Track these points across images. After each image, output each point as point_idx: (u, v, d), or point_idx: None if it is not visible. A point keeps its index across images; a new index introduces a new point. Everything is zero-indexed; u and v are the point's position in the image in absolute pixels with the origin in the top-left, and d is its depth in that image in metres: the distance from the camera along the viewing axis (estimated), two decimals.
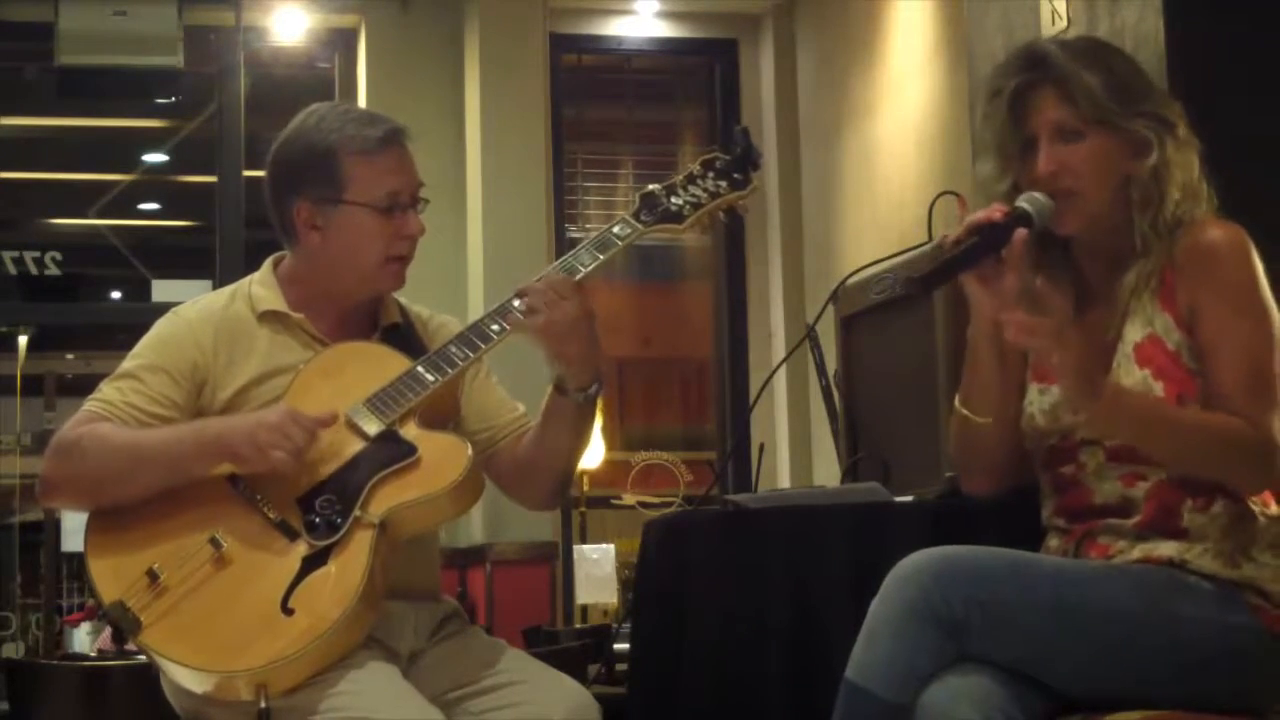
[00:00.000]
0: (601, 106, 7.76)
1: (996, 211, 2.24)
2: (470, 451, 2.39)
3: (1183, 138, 2.28)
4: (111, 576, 2.30)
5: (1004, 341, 2.26)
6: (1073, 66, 2.27)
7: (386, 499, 2.34)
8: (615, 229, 2.50)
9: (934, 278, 2.23)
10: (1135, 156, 2.26)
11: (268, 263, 2.61)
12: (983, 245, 2.22)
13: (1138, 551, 2.23)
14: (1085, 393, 2.14)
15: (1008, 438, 2.36)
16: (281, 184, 2.53)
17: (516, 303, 2.43)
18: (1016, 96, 2.30)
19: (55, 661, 4.24)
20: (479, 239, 6.70)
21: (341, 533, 2.31)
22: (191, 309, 2.56)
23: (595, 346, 2.44)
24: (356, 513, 2.32)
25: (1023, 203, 2.25)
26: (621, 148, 7.64)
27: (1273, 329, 2.21)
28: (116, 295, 9.54)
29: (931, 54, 5.68)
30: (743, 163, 2.56)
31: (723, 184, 2.55)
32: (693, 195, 2.53)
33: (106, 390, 2.45)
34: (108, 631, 5.41)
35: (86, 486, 2.38)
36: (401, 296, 2.65)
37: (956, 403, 2.38)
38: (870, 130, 6.23)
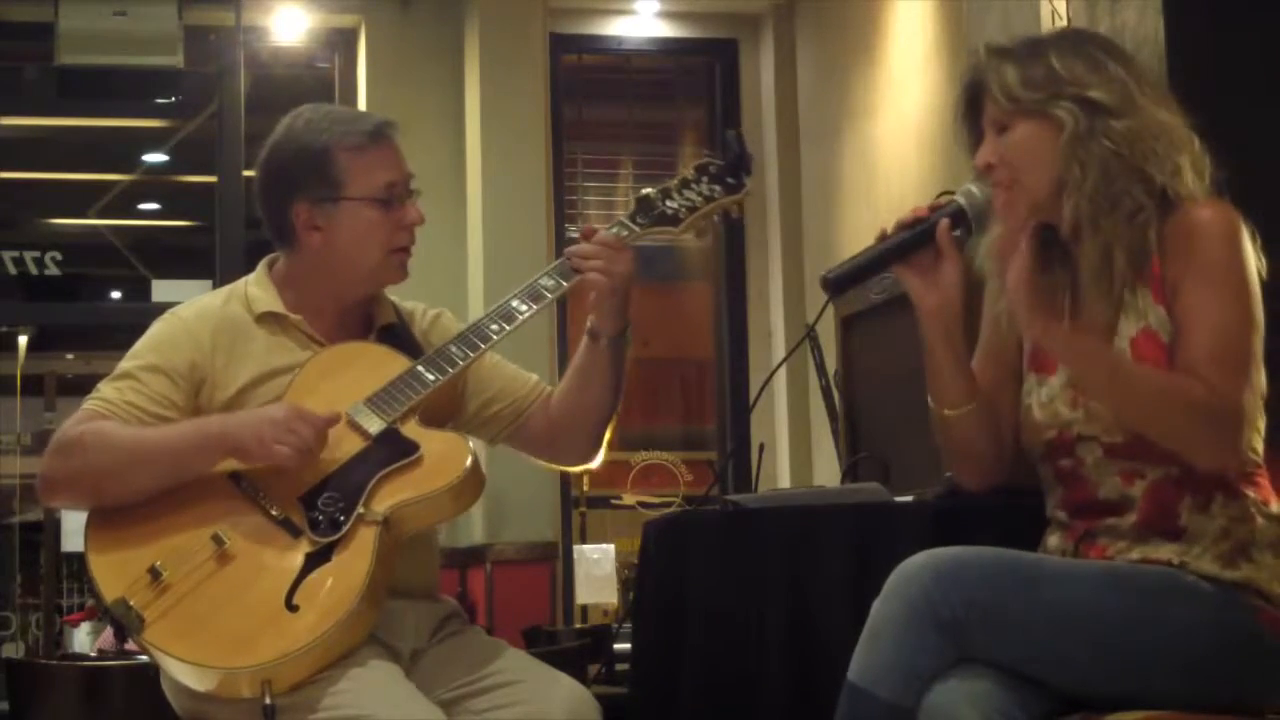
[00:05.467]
0: (601, 106, 7.76)
1: (922, 209, 2.33)
2: (472, 449, 2.41)
3: (1131, 114, 2.25)
4: (113, 574, 2.30)
5: (953, 330, 2.33)
6: (994, 63, 2.32)
7: (389, 496, 2.35)
8: (612, 231, 2.52)
9: (848, 277, 2.34)
10: None
11: (262, 264, 2.61)
12: (907, 241, 2.32)
13: (1137, 553, 2.23)
14: (1039, 315, 2.18)
15: (986, 425, 2.37)
16: (277, 189, 2.52)
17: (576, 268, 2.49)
18: (969, 100, 2.37)
19: (55, 661, 4.23)
20: (479, 239, 6.70)
21: (344, 530, 2.31)
22: (188, 309, 2.56)
23: (628, 300, 2.52)
24: (360, 510, 2.33)
25: (957, 196, 2.33)
26: (621, 148, 7.64)
27: (1250, 308, 2.20)
28: (116, 295, 9.54)
29: (931, 54, 5.68)
30: (736, 167, 2.59)
31: (717, 188, 2.58)
32: (688, 199, 2.57)
33: (105, 390, 2.45)
34: (108, 631, 5.41)
35: (88, 484, 2.37)
36: (399, 294, 2.66)
37: (928, 400, 2.40)
38: (870, 130, 6.23)
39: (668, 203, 2.56)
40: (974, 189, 2.32)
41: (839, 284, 2.33)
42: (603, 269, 2.47)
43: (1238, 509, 2.22)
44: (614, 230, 2.53)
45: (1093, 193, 2.23)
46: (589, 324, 2.55)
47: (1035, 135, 2.28)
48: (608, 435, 2.67)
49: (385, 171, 2.51)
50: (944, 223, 2.29)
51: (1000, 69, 2.30)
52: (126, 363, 2.49)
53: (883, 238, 2.33)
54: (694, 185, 2.58)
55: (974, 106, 2.37)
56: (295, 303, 2.54)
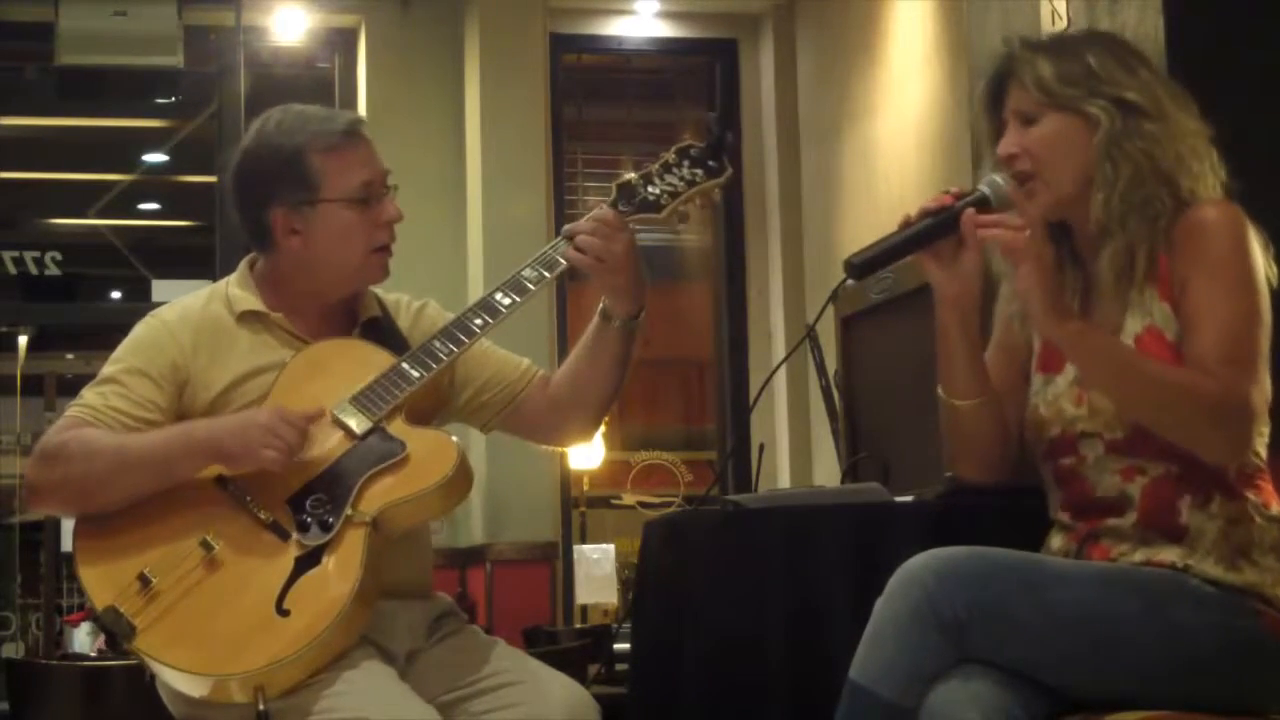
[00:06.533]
0: (601, 106, 7.76)
1: (947, 196, 2.31)
2: (459, 446, 2.39)
3: (1162, 120, 2.28)
4: (103, 582, 2.28)
5: (970, 320, 2.33)
6: (1028, 55, 2.32)
7: (378, 497, 2.34)
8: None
9: (872, 262, 2.31)
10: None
11: (243, 264, 2.59)
12: (932, 228, 2.30)
13: (1140, 554, 2.23)
14: (1052, 312, 2.18)
15: (994, 420, 2.37)
16: (252, 194, 2.50)
17: (563, 245, 2.47)
18: (992, 90, 2.37)
19: (55, 661, 4.23)
20: (479, 239, 6.70)
21: (333, 532, 2.30)
22: (169, 311, 2.54)
23: (640, 277, 2.50)
24: (348, 511, 2.31)
25: (981, 186, 2.31)
26: (621, 148, 7.65)
27: (1258, 305, 2.21)
28: (116, 295, 9.54)
29: (931, 54, 5.68)
30: (717, 149, 2.56)
31: (699, 172, 2.55)
32: (669, 184, 2.53)
33: (89, 395, 2.43)
34: None
35: (74, 491, 2.36)
36: (384, 285, 2.64)
37: (939, 391, 2.40)
38: (870, 130, 6.23)
39: (649, 188, 2.52)
40: (998, 179, 2.31)
41: (864, 268, 2.31)
42: (598, 249, 2.44)
43: (1237, 509, 2.22)
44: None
45: (1125, 192, 2.25)
46: (602, 304, 2.54)
47: (1064, 130, 2.29)
48: (606, 416, 2.66)
49: (360, 170, 2.49)
50: (969, 211, 2.28)
51: (1034, 61, 2.31)
52: (109, 367, 2.47)
53: (906, 223, 2.31)
54: (675, 169, 2.54)
55: (997, 98, 2.37)
56: (277, 301, 2.52)
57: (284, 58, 7.30)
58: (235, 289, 2.54)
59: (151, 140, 8.32)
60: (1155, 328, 2.25)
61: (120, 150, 8.69)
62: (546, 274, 2.49)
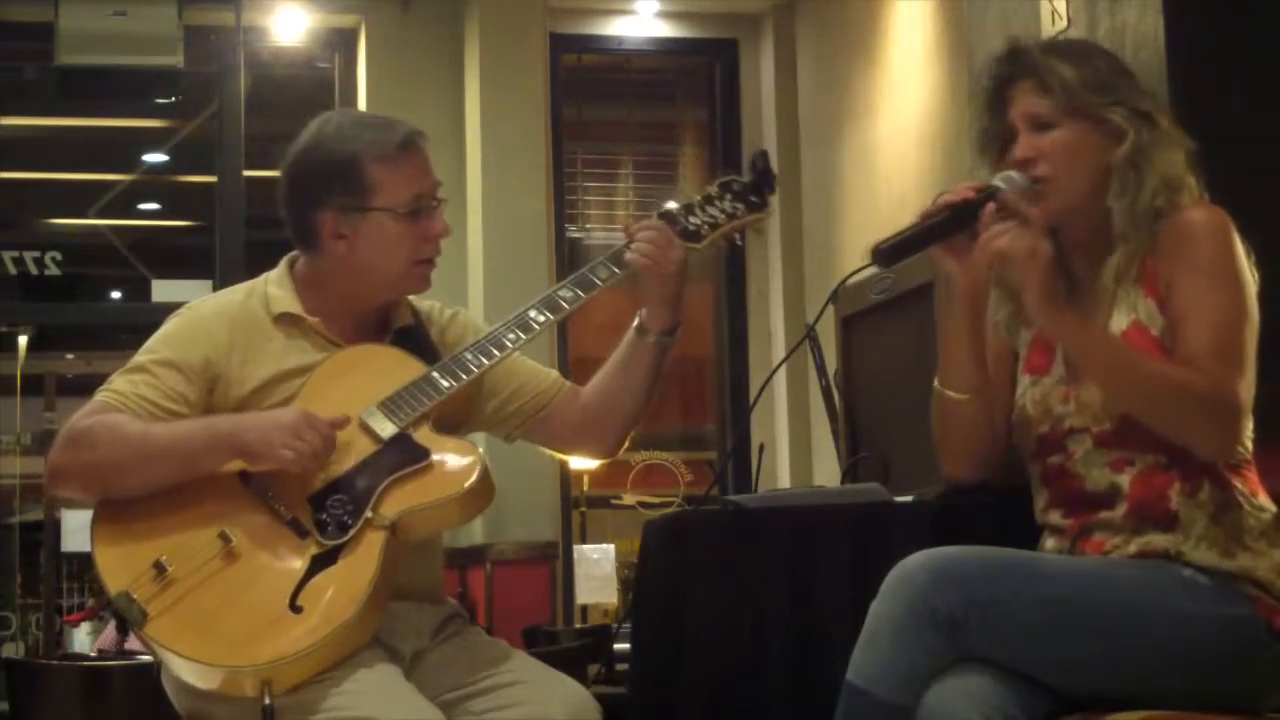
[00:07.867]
0: (601, 106, 7.76)
1: (969, 190, 2.32)
2: (483, 458, 2.40)
3: (1166, 133, 2.32)
4: (118, 566, 2.29)
5: (978, 314, 2.35)
6: (1048, 60, 2.34)
7: (398, 502, 2.35)
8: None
9: (898, 249, 2.32)
10: (1113, 147, 2.30)
11: (284, 263, 2.59)
12: (952, 220, 2.31)
13: (1134, 546, 2.24)
14: (1050, 307, 2.20)
15: (984, 418, 2.39)
16: (304, 195, 2.50)
17: (601, 269, 2.51)
18: (998, 91, 2.38)
19: (55, 661, 4.24)
20: (479, 239, 6.70)
21: (352, 533, 2.31)
22: (205, 305, 2.55)
23: (681, 294, 2.55)
24: (368, 514, 2.32)
25: (997, 180, 2.32)
26: (621, 148, 7.64)
27: (1245, 302, 2.24)
28: (116, 295, 9.54)
29: (931, 54, 5.69)
30: (759, 186, 2.61)
31: (740, 206, 2.60)
32: (710, 216, 2.58)
33: (118, 382, 2.44)
34: (108, 631, 5.41)
35: (96, 476, 2.36)
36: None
37: (935, 382, 2.42)
38: (870, 130, 6.23)
39: (690, 219, 2.57)
40: (1013, 174, 2.32)
41: (890, 255, 2.32)
42: (656, 254, 2.49)
43: (1225, 497, 2.24)
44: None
45: (1149, 200, 2.27)
46: (638, 319, 2.58)
47: (1082, 137, 2.31)
48: (631, 432, 2.67)
49: (414, 183, 2.49)
50: (990, 207, 2.28)
51: (1057, 66, 2.32)
52: (141, 356, 2.47)
53: (927, 214, 2.33)
54: (717, 202, 2.59)
55: (1001, 99, 2.37)
56: (314, 305, 2.52)
57: (284, 58, 7.31)
58: (274, 288, 2.54)
59: (151, 140, 8.32)
60: (1141, 323, 2.27)
61: (120, 150, 8.68)
62: (582, 294, 2.52)
